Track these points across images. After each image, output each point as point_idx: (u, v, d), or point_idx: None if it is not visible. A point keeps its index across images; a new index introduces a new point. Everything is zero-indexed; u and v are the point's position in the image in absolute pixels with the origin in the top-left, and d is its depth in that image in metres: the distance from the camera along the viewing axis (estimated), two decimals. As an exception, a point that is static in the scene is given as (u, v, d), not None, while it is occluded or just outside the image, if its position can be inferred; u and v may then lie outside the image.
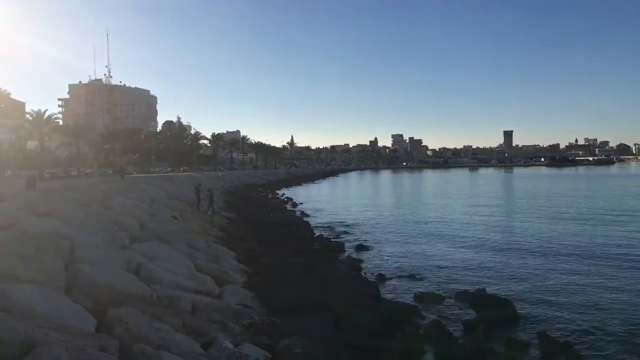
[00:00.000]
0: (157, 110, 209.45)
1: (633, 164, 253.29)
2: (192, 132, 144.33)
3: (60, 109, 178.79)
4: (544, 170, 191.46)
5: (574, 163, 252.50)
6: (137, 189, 33.73)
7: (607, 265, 20.96)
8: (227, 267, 15.91)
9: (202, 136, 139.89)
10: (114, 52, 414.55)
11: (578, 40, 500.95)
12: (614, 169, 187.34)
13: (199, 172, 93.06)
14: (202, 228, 25.13)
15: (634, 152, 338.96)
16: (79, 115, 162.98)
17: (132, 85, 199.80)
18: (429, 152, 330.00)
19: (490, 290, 16.75)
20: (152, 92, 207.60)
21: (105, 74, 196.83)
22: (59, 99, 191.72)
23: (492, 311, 14.14)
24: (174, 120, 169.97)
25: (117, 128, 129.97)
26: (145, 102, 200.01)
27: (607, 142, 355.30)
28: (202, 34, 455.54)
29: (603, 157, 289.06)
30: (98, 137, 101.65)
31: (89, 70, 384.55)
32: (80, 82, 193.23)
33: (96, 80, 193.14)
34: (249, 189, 78.45)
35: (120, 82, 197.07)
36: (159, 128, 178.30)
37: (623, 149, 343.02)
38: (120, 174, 55.55)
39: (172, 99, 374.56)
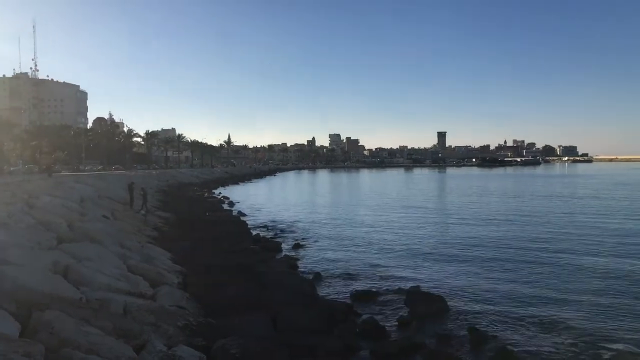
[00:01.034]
0: (87, 107, 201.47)
1: (557, 164, 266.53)
2: (125, 129, 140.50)
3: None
4: (475, 170, 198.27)
5: (503, 163, 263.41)
6: (66, 188, 32.38)
7: (531, 261, 21.89)
8: (161, 267, 15.55)
9: (136, 134, 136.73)
10: (41, 44, 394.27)
11: (507, 45, 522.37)
12: (540, 169, 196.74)
13: (132, 171, 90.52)
14: (135, 228, 24.48)
15: (558, 153, 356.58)
16: (3, 110, 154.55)
17: (61, 80, 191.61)
18: (365, 152, 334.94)
19: (423, 287, 17.21)
20: (82, 88, 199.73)
21: (31, 68, 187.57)
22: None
23: (425, 307, 14.60)
24: (106, 117, 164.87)
25: (44, 124, 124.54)
26: (75, 97, 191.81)
27: (533, 144, 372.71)
28: (135, 28, 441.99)
29: (530, 158, 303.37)
30: (23, 134, 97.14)
31: (13, 63, 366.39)
32: (4, 75, 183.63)
33: (21, 73, 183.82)
34: (185, 187, 77.01)
35: (48, 76, 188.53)
36: (90, 125, 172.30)
37: (548, 151, 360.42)
38: (48, 172, 53.18)
39: (104, 95, 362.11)
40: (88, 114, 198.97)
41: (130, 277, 12.92)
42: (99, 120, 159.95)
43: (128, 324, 9.40)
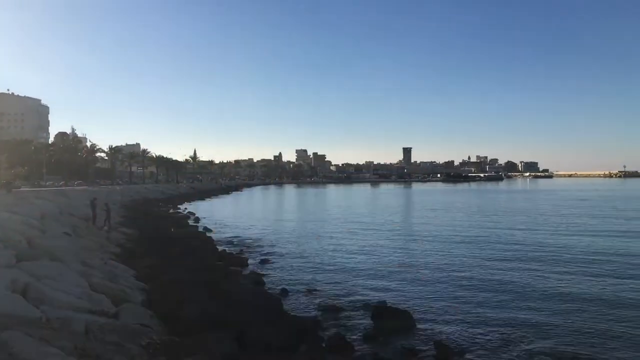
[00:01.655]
0: (49, 121, 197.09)
1: (519, 180, 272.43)
2: (88, 144, 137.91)
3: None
4: (440, 185, 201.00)
5: (467, 179, 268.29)
6: (26, 204, 31.62)
7: (496, 277, 22.26)
8: (124, 285, 15.26)
9: (99, 149, 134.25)
10: (0, 57, 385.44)
11: (470, 63, 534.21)
12: (503, 184, 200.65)
13: (95, 186, 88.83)
14: (97, 244, 23.98)
15: (520, 169, 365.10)
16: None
17: (22, 94, 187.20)
18: (332, 168, 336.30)
19: (390, 302, 17.31)
20: (43, 102, 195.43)
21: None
22: None
23: (391, 322, 14.68)
24: (68, 131, 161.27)
25: (3, 139, 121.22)
26: (36, 111, 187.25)
27: (496, 160, 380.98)
28: (98, 41, 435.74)
29: (493, 173, 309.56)
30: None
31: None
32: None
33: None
34: (150, 203, 75.86)
35: (8, 90, 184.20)
36: (51, 140, 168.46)
37: (510, 166, 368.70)
38: (7, 188, 51.76)
39: (67, 110, 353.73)
40: (50, 128, 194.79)
41: (92, 295, 12.65)
42: (61, 135, 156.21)
43: (90, 343, 9.18)
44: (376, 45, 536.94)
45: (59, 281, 12.75)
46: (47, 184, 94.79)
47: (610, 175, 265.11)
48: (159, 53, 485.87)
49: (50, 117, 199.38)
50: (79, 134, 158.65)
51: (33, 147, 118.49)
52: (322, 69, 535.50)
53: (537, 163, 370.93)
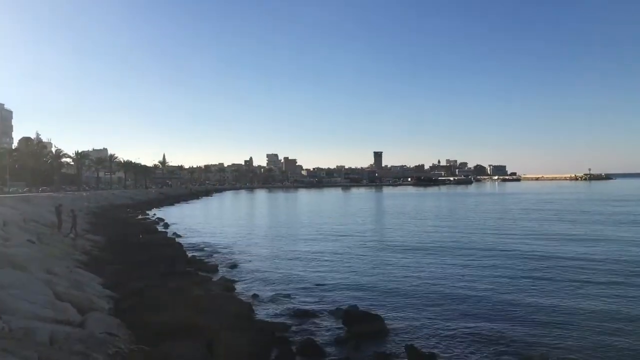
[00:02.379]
0: (12, 126, 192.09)
1: (488, 183, 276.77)
2: (53, 149, 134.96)
3: None
4: (411, 189, 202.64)
5: (437, 182, 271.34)
6: (-12, 211, 30.77)
7: (467, 279, 22.56)
8: (91, 293, 14.98)
9: (65, 154, 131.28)
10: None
11: (439, 68, 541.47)
12: (472, 188, 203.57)
13: (60, 192, 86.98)
14: (63, 252, 23.48)
15: (489, 172, 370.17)
16: None
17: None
18: (303, 172, 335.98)
19: (361, 306, 17.34)
20: (7, 107, 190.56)
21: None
22: None
23: (363, 326, 14.70)
24: (33, 136, 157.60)
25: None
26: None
27: (465, 164, 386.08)
28: (63, 42, 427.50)
29: (463, 177, 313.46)
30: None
31: None
32: None
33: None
34: (117, 209, 74.70)
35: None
36: (15, 145, 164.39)
37: (479, 170, 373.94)
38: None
39: (31, 114, 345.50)
40: (13, 133, 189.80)
41: (57, 304, 12.37)
42: (25, 140, 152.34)
43: (55, 353, 8.97)
44: (345, 51, 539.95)
45: (22, 290, 12.43)
46: (10, 190, 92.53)
47: (576, 178, 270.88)
48: (126, 56, 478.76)
49: (14, 122, 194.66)
50: (44, 139, 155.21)
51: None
52: (293, 73, 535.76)
53: (505, 166, 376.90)
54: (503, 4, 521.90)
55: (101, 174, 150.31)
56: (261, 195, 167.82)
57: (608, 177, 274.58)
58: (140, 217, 66.12)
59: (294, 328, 15.06)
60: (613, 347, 13.30)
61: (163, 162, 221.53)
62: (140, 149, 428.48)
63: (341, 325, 15.27)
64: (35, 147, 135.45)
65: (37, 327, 10.02)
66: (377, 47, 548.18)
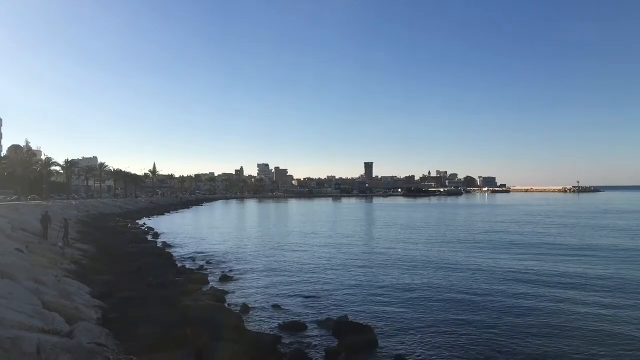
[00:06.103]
0: (1, 133, 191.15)
1: (478, 194, 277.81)
2: (43, 157, 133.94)
3: None
4: (401, 200, 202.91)
5: (427, 193, 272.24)
6: (-25, 219, 30.44)
7: (458, 290, 22.60)
8: (79, 302, 14.83)
9: (54, 162, 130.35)
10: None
11: (430, 81, 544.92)
12: (462, 199, 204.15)
13: (50, 201, 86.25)
14: (51, 261, 23.24)
15: (478, 184, 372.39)
16: None
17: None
18: (294, 182, 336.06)
19: (352, 317, 17.31)
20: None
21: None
22: None
23: (353, 337, 14.63)
24: (22, 144, 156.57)
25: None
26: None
27: (455, 175, 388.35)
28: (54, 49, 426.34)
29: (453, 188, 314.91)
30: None
31: None
32: None
33: None
34: (107, 218, 74.19)
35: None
36: (4, 152, 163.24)
37: (469, 181, 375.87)
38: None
39: (21, 122, 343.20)
40: (2, 141, 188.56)
41: (44, 313, 12.23)
42: (14, 148, 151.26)
43: (41, 364, 8.86)
44: (335, 62, 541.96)
45: (9, 299, 12.28)
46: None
47: (564, 190, 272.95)
48: (116, 64, 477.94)
49: (3, 129, 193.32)
50: (34, 147, 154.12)
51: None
52: (284, 84, 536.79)
53: (494, 178, 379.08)
54: (487, 19, 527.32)
55: (91, 182, 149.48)
56: (251, 205, 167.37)
57: (596, 189, 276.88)
58: (129, 226, 65.72)
59: (284, 339, 15.00)
60: (604, 356, 13.37)
61: (153, 170, 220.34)
62: (130, 157, 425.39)
63: (331, 336, 15.24)
64: (24, 155, 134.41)
65: (24, 336, 9.88)
66: (367, 59, 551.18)
